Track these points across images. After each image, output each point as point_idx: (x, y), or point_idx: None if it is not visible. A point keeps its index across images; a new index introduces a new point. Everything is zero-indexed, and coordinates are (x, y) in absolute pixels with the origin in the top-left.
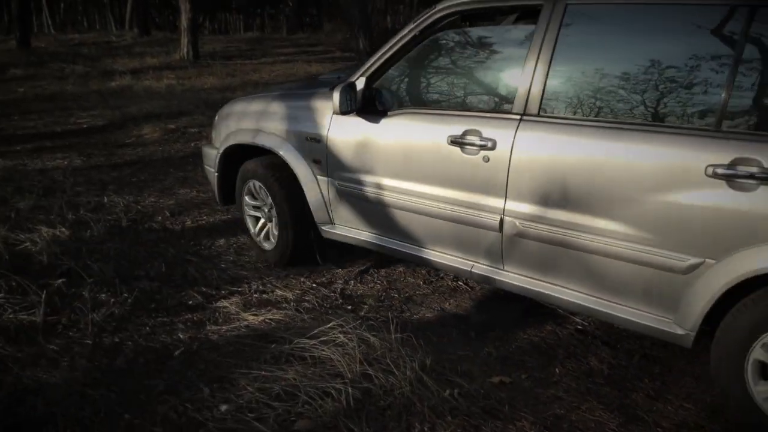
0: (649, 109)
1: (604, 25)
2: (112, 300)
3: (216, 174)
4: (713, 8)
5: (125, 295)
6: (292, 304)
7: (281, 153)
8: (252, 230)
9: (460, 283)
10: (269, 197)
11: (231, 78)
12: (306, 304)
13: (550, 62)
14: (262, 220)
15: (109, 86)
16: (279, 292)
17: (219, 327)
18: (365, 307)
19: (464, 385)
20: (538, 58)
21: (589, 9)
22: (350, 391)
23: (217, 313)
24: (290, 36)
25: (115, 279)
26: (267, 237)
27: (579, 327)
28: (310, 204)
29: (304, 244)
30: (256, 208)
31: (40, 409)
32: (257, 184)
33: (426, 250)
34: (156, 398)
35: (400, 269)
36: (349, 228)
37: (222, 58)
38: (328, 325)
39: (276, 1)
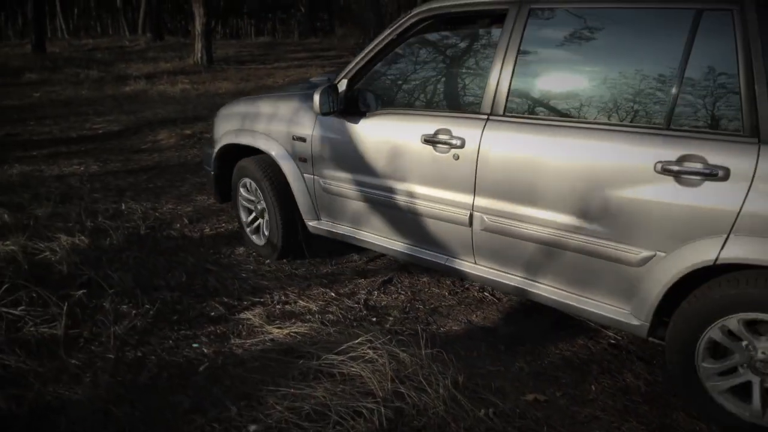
0: (604, 108)
1: (563, 29)
2: (134, 312)
3: (212, 173)
4: (663, 12)
5: (147, 306)
6: (316, 316)
7: (270, 152)
8: (245, 226)
9: (486, 294)
10: (261, 194)
11: (245, 83)
12: (330, 315)
13: (515, 64)
14: (255, 216)
15: (123, 91)
16: (302, 303)
17: (243, 340)
18: (390, 319)
19: (498, 403)
20: (504, 60)
21: (550, 13)
22: (382, 410)
23: (240, 326)
24: (302, 41)
25: (136, 289)
26: (259, 232)
27: (612, 341)
28: (297, 201)
29: (294, 239)
30: (250, 204)
31: (63, 427)
32: (250, 182)
33: (404, 244)
34: (182, 417)
35: (424, 279)
36: (333, 224)
37: (236, 63)
38: (357, 341)
39: (287, 6)
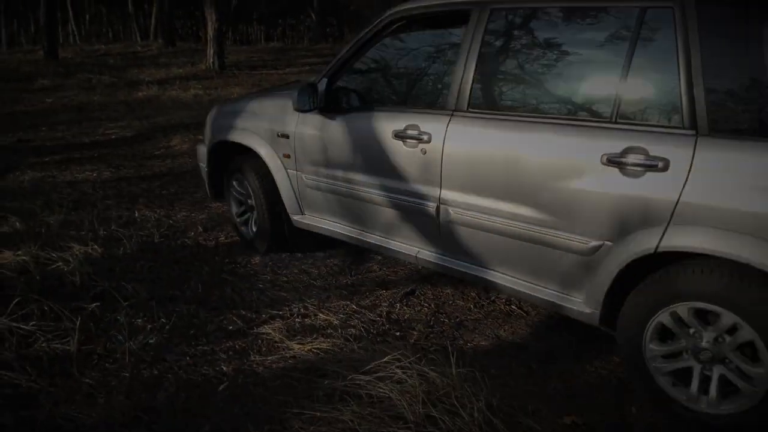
0: (556, 103)
1: (521, 28)
2: (149, 326)
3: (206, 170)
4: (611, 10)
5: (162, 320)
6: (338, 330)
7: (257, 149)
8: (237, 220)
9: (513, 307)
10: (250, 190)
11: (257, 88)
12: (352, 330)
13: (477, 61)
14: (246, 211)
15: (136, 96)
16: (322, 317)
17: (264, 357)
18: (415, 333)
19: (536, 427)
20: (467, 58)
21: (509, 13)
22: None
23: (260, 341)
24: (313, 46)
25: (151, 301)
26: (250, 226)
27: None
28: (282, 196)
29: (281, 232)
30: (240, 200)
31: None
32: (240, 177)
33: (379, 237)
34: None
35: (448, 291)
36: (315, 218)
37: (247, 68)
38: (384, 359)
39: (297, 11)
